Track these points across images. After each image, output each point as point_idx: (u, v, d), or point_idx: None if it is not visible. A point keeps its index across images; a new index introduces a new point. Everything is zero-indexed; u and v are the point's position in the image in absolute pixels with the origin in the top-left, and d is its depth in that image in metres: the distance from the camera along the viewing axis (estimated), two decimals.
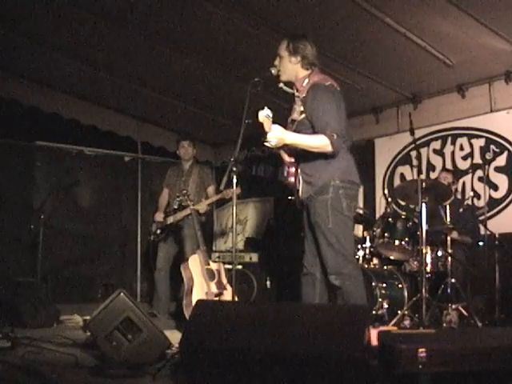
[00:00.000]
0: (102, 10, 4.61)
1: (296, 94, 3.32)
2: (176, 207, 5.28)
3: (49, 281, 6.04)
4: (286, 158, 3.30)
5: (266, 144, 3.03)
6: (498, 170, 5.38)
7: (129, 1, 4.51)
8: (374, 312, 4.42)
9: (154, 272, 5.41)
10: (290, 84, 3.37)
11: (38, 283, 5.10)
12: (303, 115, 3.22)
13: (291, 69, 3.31)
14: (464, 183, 5.62)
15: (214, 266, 4.63)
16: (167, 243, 5.39)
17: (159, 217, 5.40)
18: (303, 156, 3.24)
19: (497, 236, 4.70)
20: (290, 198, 3.45)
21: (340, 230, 3.19)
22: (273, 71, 3.31)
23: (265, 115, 2.96)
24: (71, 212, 6.90)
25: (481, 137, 5.55)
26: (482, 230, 4.96)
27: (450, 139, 5.81)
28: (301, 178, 3.28)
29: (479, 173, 5.42)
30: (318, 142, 3.10)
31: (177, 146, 5.59)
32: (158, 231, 5.37)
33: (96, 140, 6.93)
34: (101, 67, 5.71)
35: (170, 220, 5.29)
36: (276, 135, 2.99)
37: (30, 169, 6.75)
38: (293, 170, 3.28)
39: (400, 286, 4.70)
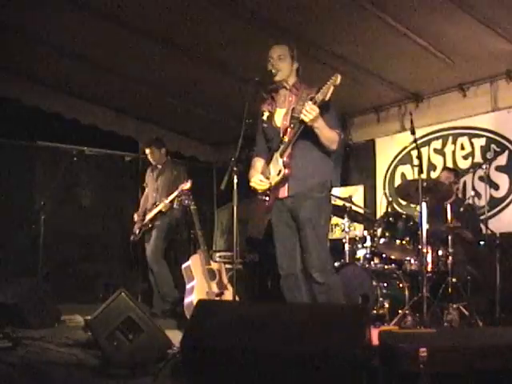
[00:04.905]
0: (103, 10, 4.61)
1: (303, 94, 3.31)
2: (150, 207, 5.45)
3: (50, 281, 6.03)
4: (289, 150, 3.30)
5: (302, 116, 3.09)
6: (498, 169, 5.38)
7: (129, 1, 4.52)
8: (374, 311, 4.41)
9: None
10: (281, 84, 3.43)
11: (39, 283, 5.09)
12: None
13: (289, 72, 3.39)
14: (465, 183, 5.61)
15: (214, 265, 4.64)
16: (150, 243, 5.44)
17: (137, 217, 5.57)
18: (300, 151, 3.28)
19: (497, 235, 4.70)
20: (264, 198, 3.41)
21: (327, 229, 3.42)
22: (273, 70, 3.33)
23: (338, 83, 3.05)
24: (72, 212, 6.90)
25: (482, 136, 5.54)
26: (483, 230, 4.96)
27: (450, 138, 5.81)
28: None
29: (480, 172, 5.41)
30: (333, 136, 3.25)
31: None
32: (137, 231, 5.51)
33: (97, 140, 6.92)
34: (101, 67, 5.71)
35: (145, 220, 5.42)
36: (317, 111, 3.07)
37: (31, 169, 6.75)
38: (288, 160, 3.28)
39: (401, 285, 4.70)
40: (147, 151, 5.66)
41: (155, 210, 5.32)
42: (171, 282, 5.42)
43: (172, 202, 5.24)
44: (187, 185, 5.03)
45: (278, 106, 3.46)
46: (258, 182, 3.39)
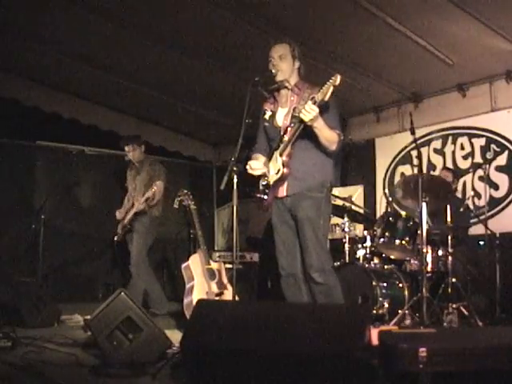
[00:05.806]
0: (103, 9, 4.61)
1: (305, 94, 3.31)
2: (129, 207, 5.42)
3: (49, 280, 6.05)
4: (289, 149, 3.31)
5: (302, 115, 3.09)
6: (498, 169, 5.38)
7: (129, 1, 4.52)
8: (374, 311, 4.40)
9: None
10: (283, 84, 3.43)
11: (39, 283, 5.10)
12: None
13: (291, 71, 3.39)
14: (465, 183, 5.61)
15: (214, 265, 4.64)
16: (132, 248, 5.41)
17: (118, 215, 5.51)
18: (300, 151, 3.28)
19: (497, 235, 4.70)
20: (263, 197, 3.40)
21: (326, 229, 3.39)
22: (273, 70, 3.34)
23: (337, 84, 3.04)
24: (72, 211, 6.91)
25: (481, 136, 5.54)
26: (483, 230, 4.95)
27: (450, 138, 5.81)
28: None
29: (480, 172, 5.42)
30: (332, 137, 3.24)
31: None
32: (120, 231, 5.46)
33: (96, 139, 6.93)
34: (101, 67, 5.71)
35: (125, 220, 5.39)
36: (317, 111, 3.06)
37: (31, 169, 6.76)
38: (287, 159, 3.28)
39: (401, 285, 4.70)
40: (127, 149, 5.49)
41: (132, 212, 5.30)
42: (160, 294, 5.37)
43: (146, 201, 5.20)
44: (153, 189, 5.04)
45: (280, 106, 3.46)
46: (252, 166, 3.36)
